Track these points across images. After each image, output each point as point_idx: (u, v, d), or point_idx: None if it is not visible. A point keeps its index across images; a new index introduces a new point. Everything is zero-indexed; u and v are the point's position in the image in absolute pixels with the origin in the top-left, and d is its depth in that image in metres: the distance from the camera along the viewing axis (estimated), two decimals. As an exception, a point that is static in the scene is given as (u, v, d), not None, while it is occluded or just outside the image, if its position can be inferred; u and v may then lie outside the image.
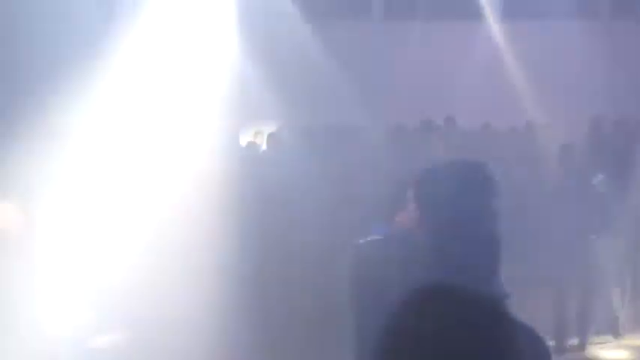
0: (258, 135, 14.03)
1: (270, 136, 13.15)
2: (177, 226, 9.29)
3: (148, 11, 13.80)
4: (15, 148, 8.22)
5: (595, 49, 16.23)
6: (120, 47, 12.75)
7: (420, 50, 16.60)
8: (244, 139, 13.77)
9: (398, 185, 4.75)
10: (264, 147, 13.51)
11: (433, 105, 15.35)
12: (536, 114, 15.30)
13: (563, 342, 9.93)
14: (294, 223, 10.87)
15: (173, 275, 9.41)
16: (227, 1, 14.79)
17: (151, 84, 12.15)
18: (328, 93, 15.16)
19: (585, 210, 10.13)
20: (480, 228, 3.35)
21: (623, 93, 15.93)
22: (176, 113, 11.87)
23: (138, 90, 12.07)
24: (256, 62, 14.63)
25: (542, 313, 9.59)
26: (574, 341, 10.15)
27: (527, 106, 15.73)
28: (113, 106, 11.20)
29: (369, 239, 4.36)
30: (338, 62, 15.41)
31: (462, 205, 3.46)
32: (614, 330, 10.54)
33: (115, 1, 14.39)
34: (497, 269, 3.28)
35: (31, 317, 6.13)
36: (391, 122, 15.02)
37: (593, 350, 10.21)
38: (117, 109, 11.07)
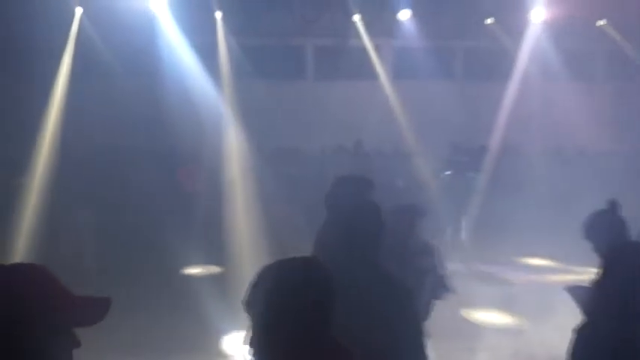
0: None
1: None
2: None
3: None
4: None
5: (453, 98, 16.58)
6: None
7: (339, 99, 16.72)
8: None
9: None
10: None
11: (347, 135, 15.77)
12: (413, 142, 16.14)
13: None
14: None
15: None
16: (217, 68, 15.90)
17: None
18: (278, 127, 15.45)
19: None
20: (368, 217, 3.38)
21: (472, 128, 16.14)
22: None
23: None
24: (235, 106, 15.35)
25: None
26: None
27: (408, 137, 16.32)
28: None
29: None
30: (285, 107, 16.16)
31: (356, 204, 3.65)
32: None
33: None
34: (379, 245, 3.37)
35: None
36: (319, 145, 15.99)
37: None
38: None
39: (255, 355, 2.18)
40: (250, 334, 2.19)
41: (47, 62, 14.50)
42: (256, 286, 2.22)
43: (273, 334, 2.15)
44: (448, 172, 13.16)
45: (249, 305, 2.21)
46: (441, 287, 4.67)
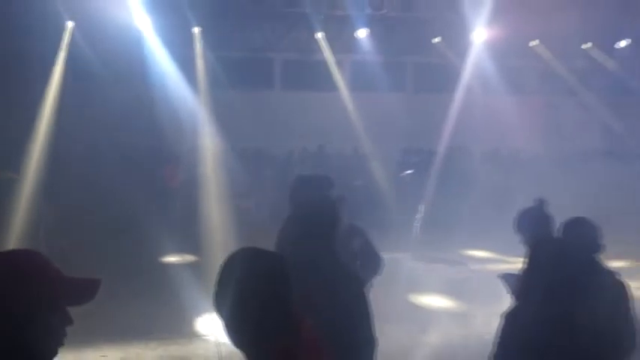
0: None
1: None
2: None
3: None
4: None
5: (404, 108, 16.78)
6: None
7: (304, 107, 16.71)
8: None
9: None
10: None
11: (311, 139, 16.04)
12: (369, 146, 16.16)
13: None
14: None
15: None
16: (195, 78, 15.87)
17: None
18: (249, 131, 15.18)
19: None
20: (325, 212, 3.29)
21: (420, 134, 16.27)
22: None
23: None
24: (211, 111, 15.33)
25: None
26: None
27: (364, 142, 16.30)
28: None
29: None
30: (255, 113, 16.03)
31: (314, 200, 3.64)
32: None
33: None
34: (335, 236, 3.24)
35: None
36: (286, 147, 16.04)
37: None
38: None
39: (228, 334, 2.08)
40: (221, 322, 2.08)
41: (41, 69, 14.38)
42: (220, 280, 2.09)
43: (238, 323, 2.04)
44: (409, 172, 13.24)
45: (216, 297, 2.08)
46: (373, 265, 4.54)
